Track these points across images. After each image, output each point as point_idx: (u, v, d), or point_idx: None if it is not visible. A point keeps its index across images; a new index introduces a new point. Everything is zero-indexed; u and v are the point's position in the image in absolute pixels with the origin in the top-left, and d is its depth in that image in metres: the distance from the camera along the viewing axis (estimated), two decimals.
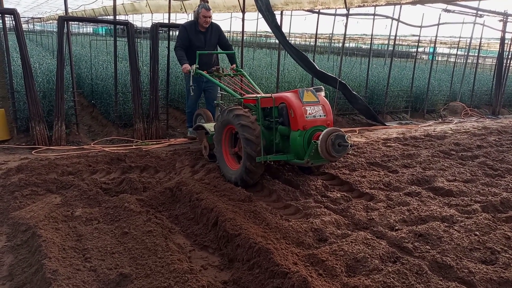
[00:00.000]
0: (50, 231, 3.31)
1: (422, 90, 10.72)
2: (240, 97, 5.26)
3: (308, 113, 4.29)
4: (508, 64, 12.02)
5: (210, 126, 5.30)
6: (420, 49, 26.99)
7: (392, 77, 10.05)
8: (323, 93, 4.66)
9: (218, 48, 6.61)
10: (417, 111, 10.68)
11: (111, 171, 5.00)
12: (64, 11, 6.72)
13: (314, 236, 3.52)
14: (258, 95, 4.79)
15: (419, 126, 9.25)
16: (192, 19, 6.32)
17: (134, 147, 6.16)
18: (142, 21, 32.84)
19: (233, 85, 6.31)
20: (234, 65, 6.30)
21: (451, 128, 9.04)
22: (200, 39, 6.23)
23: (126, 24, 6.53)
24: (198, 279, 2.69)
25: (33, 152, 5.68)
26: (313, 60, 8.18)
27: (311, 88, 4.62)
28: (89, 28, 36.34)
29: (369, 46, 11.31)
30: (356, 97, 8.68)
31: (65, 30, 6.04)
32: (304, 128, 4.25)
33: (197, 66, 5.69)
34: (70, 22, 6.67)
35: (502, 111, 12.07)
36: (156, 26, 6.61)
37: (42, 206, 3.87)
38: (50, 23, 34.58)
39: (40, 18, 37.54)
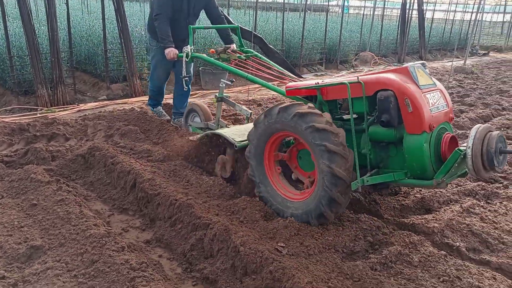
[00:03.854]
0: None
1: (335, 41, 11.11)
2: (275, 87, 3.76)
3: (431, 105, 2.80)
4: (410, 14, 12.85)
5: (233, 134, 3.66)
6: (333, 2, 27.71)
7: (306, 30, 10.24)
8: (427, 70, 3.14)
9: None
10: (331, 62, 11.10)
11: (13, 142, 4.56)
12: None
13: (235, 188, 3.58)
14: (326, 80, 3.19)
15: (333, 76, 9.65)
16: None
17: (38, 115, 5.65)
18: None
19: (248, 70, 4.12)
20: (233, 46, 4.60)
21: None
22: (181, 6, 4.71)
23: None
24: (117, 241, 2.62)
25: None
26: (228, 15, 7.99)
27: (419, 63, 3.06)
28: None
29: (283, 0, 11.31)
30: (273, 51, 8.72)
31: None
32: (431, 128, 2.73)
33: (192, 47, 4.20)
34: None
35: (407, 58, 13.02)
36: None
37: None
38: None
39: None
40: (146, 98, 6.66)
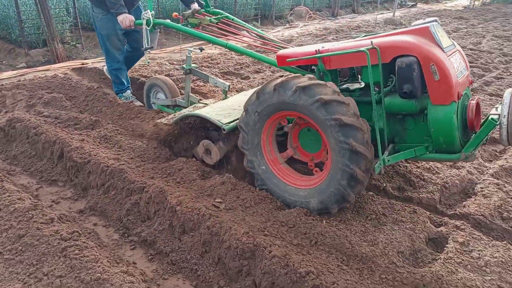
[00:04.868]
0: None
1: None
2: (263, 56, 3.19)
3: (456, 70, 2.46)
4: None
5: (217, 114, 3.18)
6: None
7: None
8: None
9: None
10: (266, 18, 10.96)
11: None
12: None
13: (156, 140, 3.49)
14: (327, 47, 2.72)
15: (269, 33, 9.56)
16: None
17: None
18: None
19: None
20: (195, 5, 4.07)
21: (297, 32, 9.56)
22: None
23: None
24: (45, 213, 2.49)
25: None
26: None
27: (432, 19, 2.64)
28: None
29: None
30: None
31: None
32: (459, 97, 2.41)
33: (153, 12, 3.66)
34: None
35: (340, 12, 13.18)
36: None
37: None
38: None
39: None
40: (71, 63, 6.23)
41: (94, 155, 3.16)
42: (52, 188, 3.14)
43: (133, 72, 5.33)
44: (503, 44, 8.21)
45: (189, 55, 3.96)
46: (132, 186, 2.81)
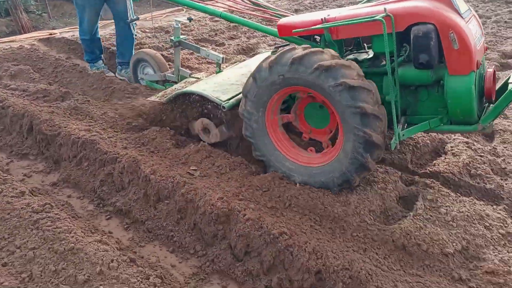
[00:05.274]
0: None
1: None
2: (262, 26, 3.01)
3: (475, 37, 2.30)
4: None
5: (213, 90, 2.93)
6: None
7: None
8: None
9: None
10: None
11: None
12: None
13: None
14: (332, 15, 2.51)
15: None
16: None
17: None
18: None
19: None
20: None
21: None
22: None
23: None
24: (15, 187, 2.46)
25: None
26: None
27: None
28: None
29: None
30: None
31: None
32: (478, 66, 2.29)
33: None
34: None
35: None
36: None
37: None
38: None
39: None
40: (37, 34, 5.98)
41: (65, 127, 3.09)
42: (23, 162, 3.08)
43: (104, 41, 5.15)
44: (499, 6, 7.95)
45: (177, 26, 3.66)
46: (105, 157, 2.78)
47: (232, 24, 6.44)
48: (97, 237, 2.14)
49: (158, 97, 3.28)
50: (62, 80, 4.25)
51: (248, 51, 5.30)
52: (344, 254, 1.98)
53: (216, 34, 5.99)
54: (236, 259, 2.13)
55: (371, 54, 2.61)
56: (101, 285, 1.82)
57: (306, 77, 2.25)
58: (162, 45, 5.30)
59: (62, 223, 2.16)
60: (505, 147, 3.07)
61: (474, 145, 3.07)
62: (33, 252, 2.00)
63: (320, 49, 2.32)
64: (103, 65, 4.60)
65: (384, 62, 2.47)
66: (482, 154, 2.96)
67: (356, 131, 2.22)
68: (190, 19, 3.70)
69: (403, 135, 2.34)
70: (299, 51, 2.30)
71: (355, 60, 2.56)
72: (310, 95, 2.51)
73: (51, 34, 5.77)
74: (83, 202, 2.66)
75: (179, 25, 3.68)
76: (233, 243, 2.15)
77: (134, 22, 3.54)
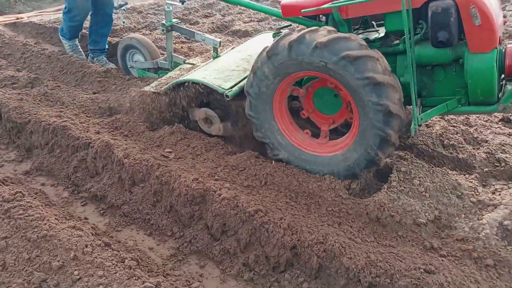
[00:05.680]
0: None
1: None
2: (265, 7, 2.90)
3: (496, 12, 2.17)
4: None
5: (214, 78, 2.74)
6: None
7: None
8: None
9: None
10: None
11: None
12: None
13: (117, 104, 3.37)
14: None
15: None
16: None
17: None
18: None
19: None
20: None
21: None
22: None
23: None
24: None
25: None
26: None
27: None
28: None
29: None
30: None
31: None
32: (500, 42, 2.20)
33: None
34: None
35: None
36: None
37: None
38: None
39: None
40: (3, 18, 5.74)
41: (35, 114, 3.01)
42: None
43: None
44: None
45: (168, 9, 3.39)
46: (77, 143, 2.73)
47: (206, 2, 6.31)
48: (71, 223, 2.12)
49: (153, 87, 3.03)
50: (31, 66, 4.12)
51: (223, 29, 5.21)
52: (318, 228, 2.00)
53: (190, 12, 5.86)
54: (214, 239, 2.14)
55: (382, 33, 2.49)
56: (75, 270, 1.80)
57: (352, 80, 2.10)
58: (134, 26, 5.16)
59: (35, 211, 2.12)
60: (477, 117, 3.11)
61: (447, 115, 3.11)
62: (6, 241, 1.97)
63: (373, 52, 2.14)
64: (77, 43, 4.27)
65: (396, 41, 2.40)
66: (455, 125, 3.01)
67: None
68: (183, 2, 3.40)
69: (421, 119, 2.23)
70: (354, 46, 2.11)
71: (366, 39, 2.42)
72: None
73: (18, 19, 5.55)
74: (58, 190, 2.61)
75: (171, 8, 3.42)
76: (209, 223, 2.15)
77: (122, 8, 3.28)
